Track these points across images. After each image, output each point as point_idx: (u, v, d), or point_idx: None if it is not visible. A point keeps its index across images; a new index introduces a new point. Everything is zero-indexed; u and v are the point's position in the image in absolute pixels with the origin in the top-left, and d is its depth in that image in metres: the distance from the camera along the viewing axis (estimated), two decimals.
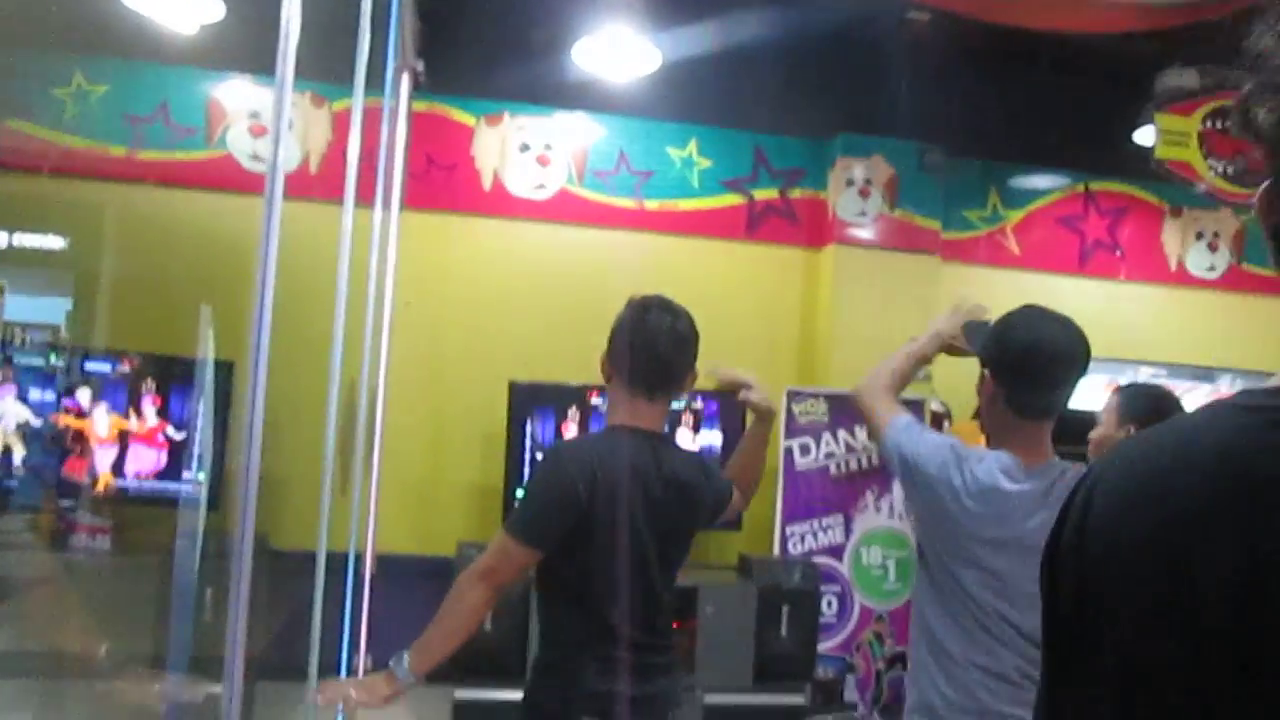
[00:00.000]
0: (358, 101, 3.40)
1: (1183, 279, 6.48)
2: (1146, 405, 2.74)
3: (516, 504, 2.23)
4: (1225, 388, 4.64)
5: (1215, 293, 6.52)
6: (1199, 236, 6.54)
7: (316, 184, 5.06)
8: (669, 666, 2.32)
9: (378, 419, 5.16)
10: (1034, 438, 2.09)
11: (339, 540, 4.20)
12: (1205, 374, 5.40)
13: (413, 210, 5.42)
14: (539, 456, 2.37)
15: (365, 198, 4.45)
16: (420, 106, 5.47)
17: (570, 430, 4.95)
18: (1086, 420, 2.77)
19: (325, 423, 3.11)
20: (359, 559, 4.90)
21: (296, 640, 3.44)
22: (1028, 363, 2.06)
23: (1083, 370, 2.08)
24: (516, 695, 4.42)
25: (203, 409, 4.46)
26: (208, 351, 2.15)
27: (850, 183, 5.77)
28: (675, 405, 5.02)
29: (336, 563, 4.20)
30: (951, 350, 2.37)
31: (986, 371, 2.14)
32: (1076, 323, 2.08)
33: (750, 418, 2.77)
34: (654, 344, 2.27)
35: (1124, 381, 3.20)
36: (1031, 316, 2.12)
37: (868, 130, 5.76)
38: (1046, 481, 2.05)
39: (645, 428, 2.29)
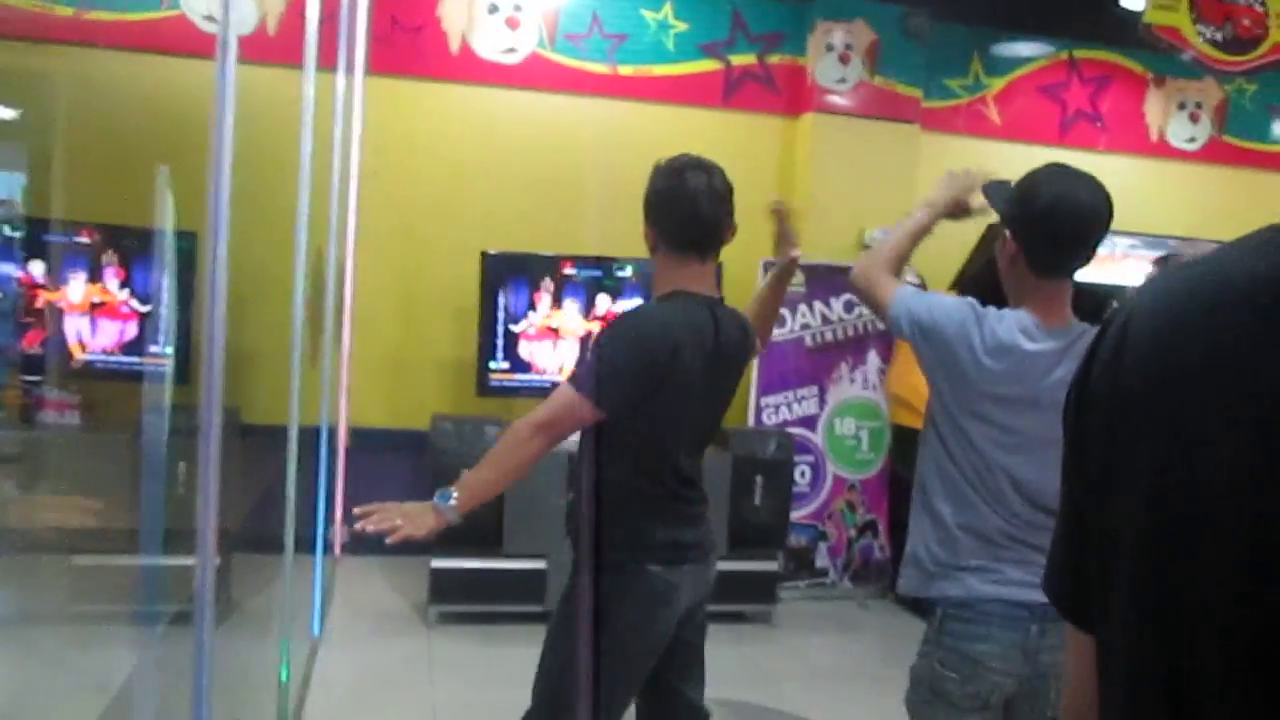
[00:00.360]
0: None
1: (1163, 150, 6.42)
2: None
3: (587, 363, 2.19)
4: None
5: (1195, 164, 6.47)
6: (1181, 107, 6.45)
7: (275, 47, 4.84)
8: (706, 514, 2.43)
9: (346, 291, 5.09)
10: (1054, 298, 2.06)
11: (310, 414, 4.18)
12: (1188, 245, 5.38)
13: (377, 75, 5.24)
14: (612, 322, 2.34)
15: (326, 62, 4.29)
16: None
17: (543, 300, 4.89)
18: (1098, 294, 2.69)
19: (292, 294, 3.05)
20: (332, 433, 4.90)
21: (271, 514, 3.45)
22: (1050, 220, 2.00)
23: (1105, 230, 2.03)
24: (492, 564, 4.53)
25: (166, 280, 4.35)
26: (166, 219, 2.06)
27: (830, 48, 5.60)
28: (636, 275, 4.98)
29: (309, 437, 4.19)
30: (955, 214, 2.33)
31: (1006, 231, 2.09)
32: (1099, 181, 2.04)
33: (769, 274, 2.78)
34: (697, 205, 2.27)
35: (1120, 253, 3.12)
36: (1056, 174, 2.04)
37: None
38: (1065, 341, 2.05)
39: (705, 293, 2.34)
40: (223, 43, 1.60)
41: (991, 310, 2.06)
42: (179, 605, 3.69)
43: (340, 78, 4.23)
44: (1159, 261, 2.79)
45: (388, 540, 2.09)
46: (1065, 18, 5.89)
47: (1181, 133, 6.44)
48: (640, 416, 2.21)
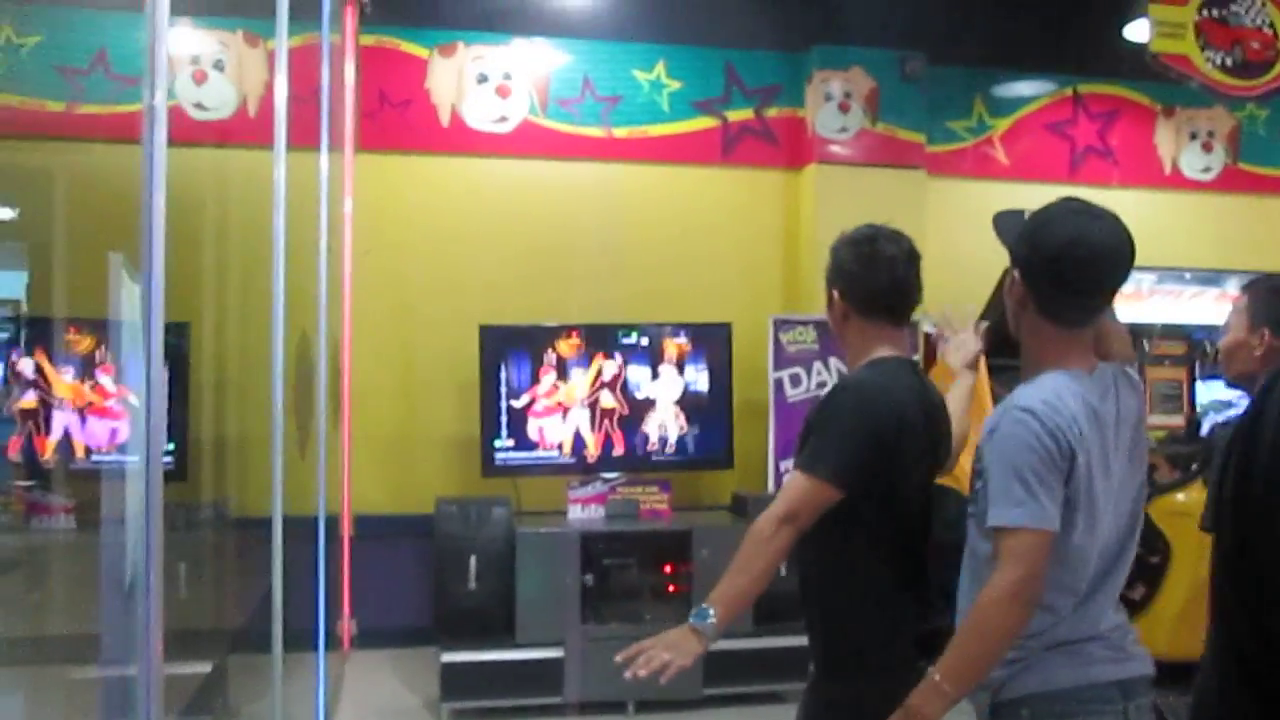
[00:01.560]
0: (281, 35, 3.11)
1: (1178, 182, 6.24)
2: None
3: (812, 444, 2.11)
4: (1233, 290, 4.43)
5: (1212, 194, 6.28)
6: (1193, 137, 6.28)
7: (258, 129, 4.74)
8: None
9: (344, 374, 4.93)
10: (1074, 348, 1.85)
11: (306, 503, 3.99)
12: (1212, 277, 5.18)
13: (368, 152, 5.14)
14: (831, 393, 2.22)
15: (310, 141, 4.18)
16: (368, 40, 5.14)
17: (547, 374, 4.71)
18: None
19: (271, 379, 2.88)
20: (334, 522, 4.70)
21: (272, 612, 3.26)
22: (1062, 266, 1.79)
23: (1126, 272, 1.81)
24: (504, 655, 4.28)
25: (138, 371, 4.19)
26: (122, 308, 1.91)
27: (829, 97, 5.47)
28: (644, 341, 4.81)
29: (308, 527, 3.99)
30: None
31: (1016, 272, 1.88)
32: (1120, 218, 1.83)
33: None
34: (895, 273, 2.22)
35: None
36: (1070, 212, 1.83)
37: (844, 40, 5.45)
38: (1108, 377, 1.87)
39: (908, 357, 2.30)
40: (150, 115, 1.44)
41: (1039, 403, 1.78)
42: (175, 716, 3.49)
43: (324, 156, 4.11)
44: (1247, 288, 2.50)
45: (662, 680, 1.99)
46: (1066, 53, 5.76)
47: (1195, 163, 6.27)
48: (875, 491, 2.10)
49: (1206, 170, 6.28)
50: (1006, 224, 1.96)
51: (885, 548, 2.14)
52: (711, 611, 2.05)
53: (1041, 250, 1.82)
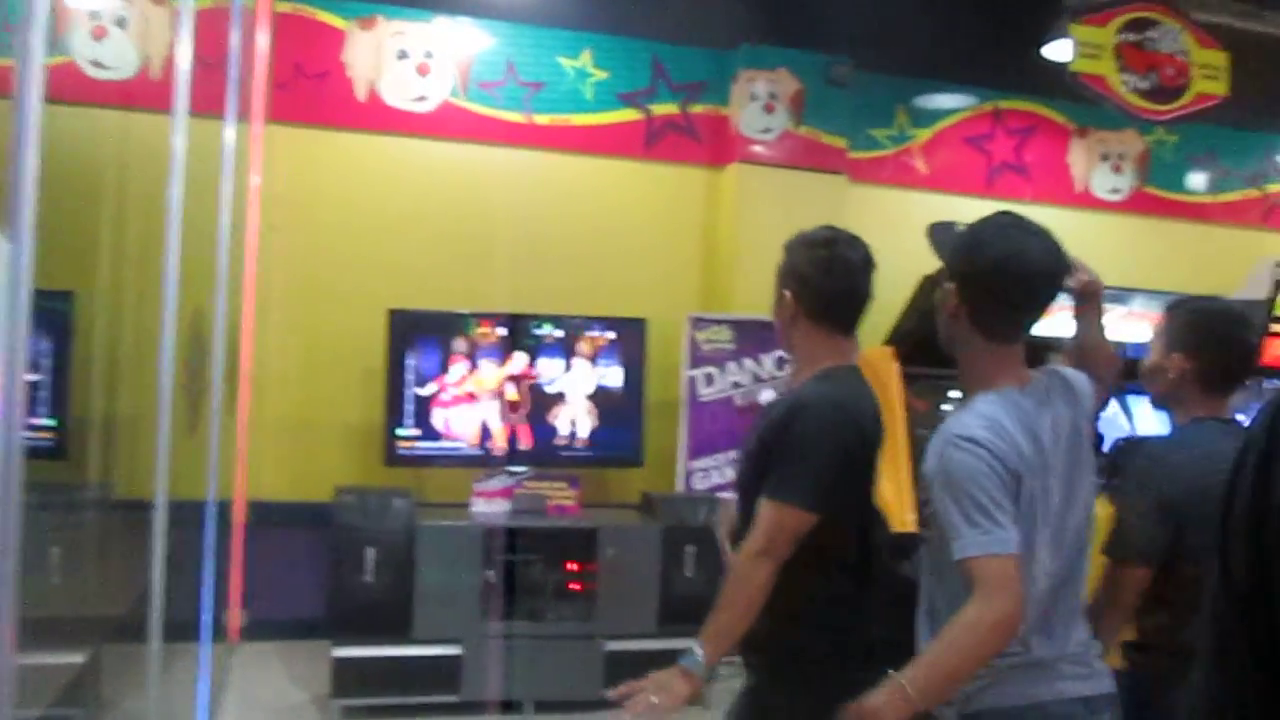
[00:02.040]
0: None
1: (1088, 201, 6.37)
2: (1195, 325, 2.37)
3: (781, 470, 2.07)
4: (1139, 309, 4.53)
5: (1120, 215, 6.43)
6: (1104, 158, 6.42)
7: (161, 93, 4.51)
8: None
9: (244, 354, 4.73)
10: (1006, 362, 1.85)
11: (197, 487, 3.81)
12: (1119, 295, 5.28)
13: (278, 124, 4.94)
14: (791, 413, 2.14)
15: (216, 109, 3.99)
16: (284, 7, 4.94)
17: (457, 363, 4.58)
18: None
19: (159, 355, 2.72)
20: (226, 507, 4.51)
21: (165, 598, 3.09)
22: (999, 278, 1.79)
23: (1058, 289, 1.83)
24: (399, 651, 4.15)
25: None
26: None
27: (754, 97, 5.44)
28: (558, 333, 4.71)
29: (197, 512, 3.81)
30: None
31: (951, 285, 1.86)
32: (1053, 235, 1.83)
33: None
34: (852, 280, 2.20)
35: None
36: (1007, 226, 1.83)
37: (773, 40, 5.42)
38: (1041, 390, 1.86)
39: (855, 365, 2.28)
40: (23, 59, 1.30)
41: (980, 431, 1.77)
42: (43, 708, 3.28)
43: (230, 126, 3.92)
44: (1168, 310, 2.50)
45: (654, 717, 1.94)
46: (987, 68, 5.82)
47: (1105, 183, 6.41)
48: (835, 509, 2.09)
49: (1115, 191, 6.43)
50: (941, 236, 1.94)
51: (833, 559, 2.13)
52: (699, 651, 2.02)
53: (978, 263, 1.82)
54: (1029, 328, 1.87)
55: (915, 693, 1.69)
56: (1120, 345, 4.43)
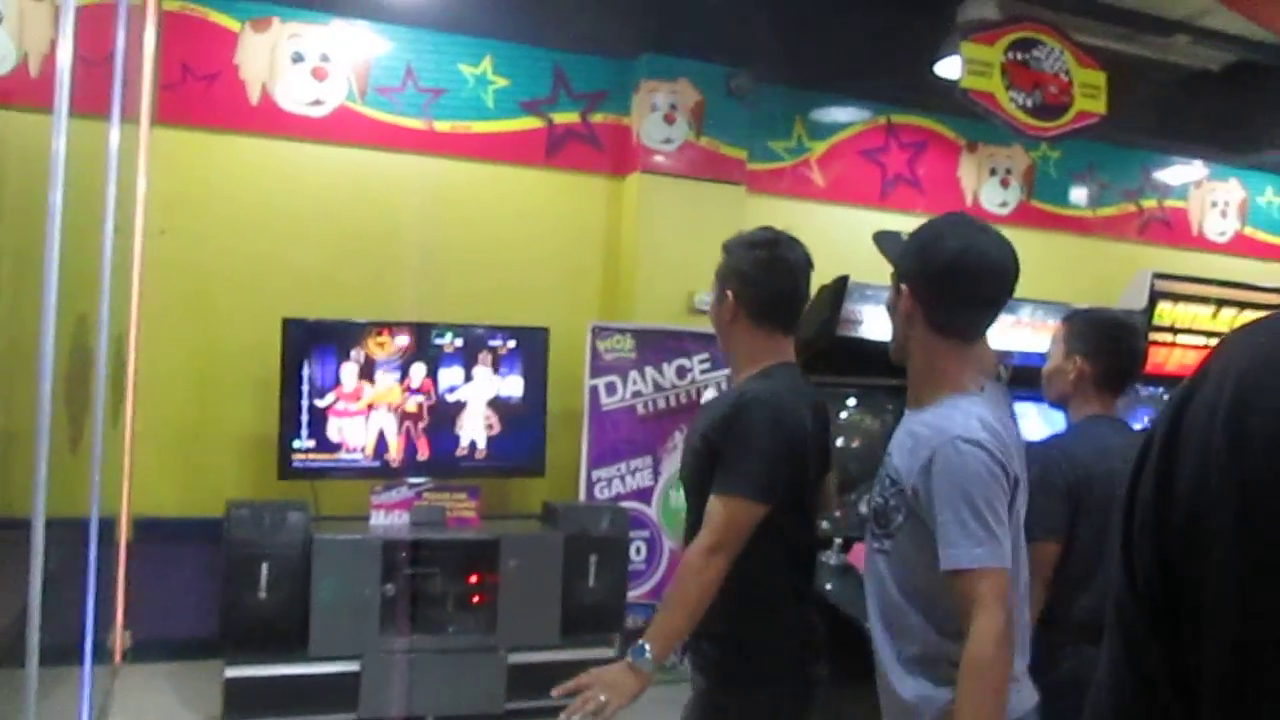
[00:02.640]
0: None
1: (978, 213, 6.56)
2: (1093, 331, 2.61)
3: (727, 465, 2.09)
4: (1026, 318, 4.70)
5: (1007, 227, 6.59)
6: (993, 172, 6.64)
7: (40, 91, 4.32)
8: None
9: (130, 364, 4.55)
10: (966, 364, 1.83)
11: (78, 504, 3.65)
12: (1009, 305, 5.46)
13: (166, 127, 4.78)
14: (735, 410, 2.15)
15: (101, 109, 3.83)
16: (172, 5, 4.79)
17: (351, 373, 4.48)
18: None
19: (39, 366, 2.60)
20: (110, 524, 4.33)
21: (44, 620, 2.94)
22: (955, 273, 1.78)
23: (1014, 285, 1.83)
24: (295, 670, 4.04)
25: None
26: None
27: (655, 107, 5.47)
28: (458, 342, 4.65)
29: (79, 530, 3.65)
30: None
31: (904, 286, 1.85)
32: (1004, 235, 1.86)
33: None
34: (794, 280, 2.25)
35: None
36: (960, 224, 1.87)
37: (674, 51, 5.46)
38: (996, 394, 1.89)
39: (794, 362, 2.31)
40: None
41: (981, 433, 1.75)
42: None
43: (114, 127, 3.78)
44: (1067, 319, 2.72)
45: (602, 718, 1.91)
46: (881, 83, 5.96)
47: (994, 197, 6.62)
48: (786, 502, 2.12)
49: (1004, 205, 6.65)
50: (889, 242, 1.97)
51: (783, 558, 2.16)
52: (648, 648, 2.01)
53: (934, 261, 1.81)
54: (986, 326, 1.88)
55: None
56: (1006, 354, 4.61)
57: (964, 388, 1.82)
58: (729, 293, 2.25)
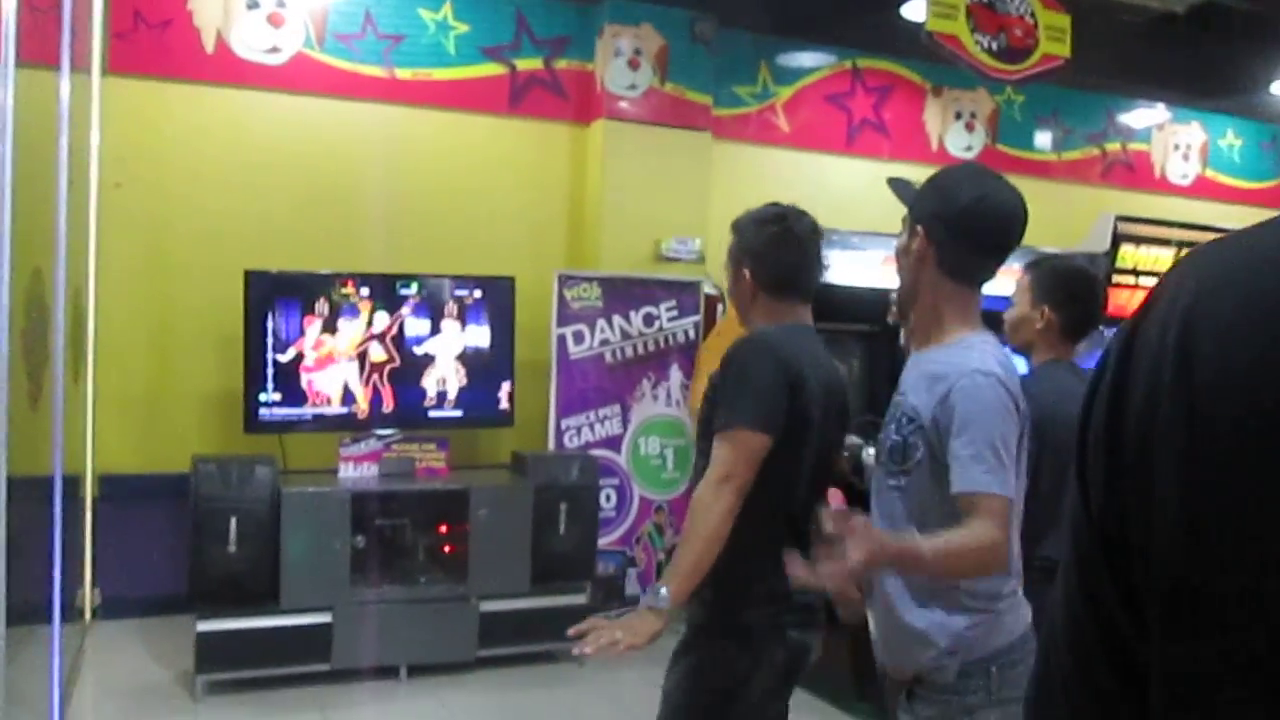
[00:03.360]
0: None
1: (943, 158, 6.56)
2: (1059, 282, 2.68)
3: (726, 401, 2.12)
4: None
5: None
6: (958, 116, 6.63)
7: None
8: None
9: (89, 320, 4.49)
10: (971, 307, 1.90)
11: (41, 462, 3.61)
12: None
13: (119, 76, 4.67)
14: (732, 352, 2.20)
15: (45, 58, 3.73)
16: None
17: (315, 325, 4.44)
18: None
19: None
20: (74, 482, 4.29)
21: (11, 582, 2.92)
22: (973, 217, 1.83)
23: (1023, 233, 1.88)
24: (266, 622, 4.04)
25: None
26: None
27: (619, 53, 5.40)
28: (424, 293, 4.61)
29: (42, 489, 3.62)
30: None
31: (920, 228, 1.89)
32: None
33: None
34: (805, 252, 2.28)
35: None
36: (974, 172, 1.93)
37: None
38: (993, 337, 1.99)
39: (812, 327, 2.32)
40: None
41: (998, 367, 1.84)
42: None
43: (65, 77, 3.68)
44: (1029, 267, 2.80)
45: (613, 655, 1.92)
46: (847, 27, 5.92)
47: (959, 141, 6.63)
48: (783, 445, 2.12)
49: (969, 149, 6.65)
50: (902, 186, 2.00)
51: (775, 514, 2.17)
52: (664, 589, 2.01)
53: (952, 205, 1.85)
54: (993, 271, 1.92)
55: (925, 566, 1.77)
56: None
57: (976, 328, 1.90)
58: (746, 272, 2.28)
